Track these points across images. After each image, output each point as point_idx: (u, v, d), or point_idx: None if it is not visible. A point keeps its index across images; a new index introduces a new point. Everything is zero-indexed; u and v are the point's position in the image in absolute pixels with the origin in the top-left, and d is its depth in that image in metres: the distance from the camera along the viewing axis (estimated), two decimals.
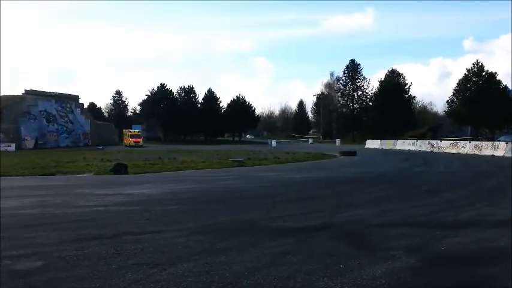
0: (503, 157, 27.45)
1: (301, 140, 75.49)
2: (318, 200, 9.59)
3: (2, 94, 51.51)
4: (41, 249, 5.19)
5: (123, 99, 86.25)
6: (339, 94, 79.85)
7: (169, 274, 4.34)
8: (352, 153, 31.55)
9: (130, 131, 59.49)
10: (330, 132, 78.99)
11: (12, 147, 43.88)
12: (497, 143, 33.46)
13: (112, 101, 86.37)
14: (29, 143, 49.17)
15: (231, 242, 5.68)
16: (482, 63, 58.81)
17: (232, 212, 8.03)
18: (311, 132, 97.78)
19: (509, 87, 59.99)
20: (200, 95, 79.77)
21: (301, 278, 4.24)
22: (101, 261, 4.76)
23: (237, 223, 6.90)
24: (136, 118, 77.74)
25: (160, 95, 75.21)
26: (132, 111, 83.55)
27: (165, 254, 5.08)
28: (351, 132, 74.53)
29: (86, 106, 66.70)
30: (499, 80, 57.84)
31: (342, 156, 30.02)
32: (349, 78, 77.45)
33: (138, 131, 61.08)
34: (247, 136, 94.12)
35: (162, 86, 76.58)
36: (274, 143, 59.62)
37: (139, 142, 54.94)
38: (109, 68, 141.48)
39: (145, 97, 76.72)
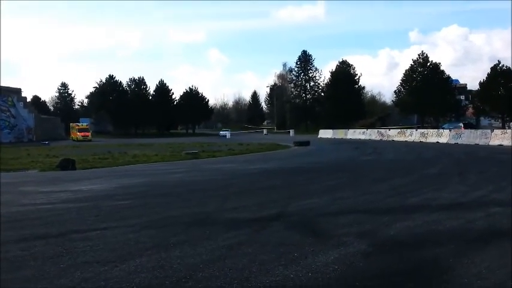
0: (446, 144, 29.01)
1: (256, 131, 75.84)
2: (272, 190, 9.66)
3: None
4: None
5: (69, 92, 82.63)
6: (292, 85, 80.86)
7: (120, 271, 4.21)
8: (306, 144, 32.15)
9: (78, 125, 57.25)
10: (283, 123, 79.89)
11: None
12: (441, 130, 35.32)
13: (57, 94, 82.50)
14: None
15: (184, 235, 5.60)
16: (427, 54, 61.73)
17: (185, 205, 7.91)
18: (265, 123, 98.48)
19: (452, 77, 63.48)
20: (151, 87, 77.96)
21: (256, 268, 4.25)
22: (47, 261, 4.54)
23: (190, 216, 6.80)
24: (84, 111, 74.80)
25: (109, 87, 72.69)
26: (79, 104, 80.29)
27: (115, 250, 4.93)
28: (304, 122, 75.79)
29: (29, 100, 63.21)
30: (442, 70, 60.89)
31: (296, 147, 30.50)
32: (301, 69, 78.56)
33: (87, 125, 58.91)
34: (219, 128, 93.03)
35: (111, 77, 74.05)
36: (228, 134, 59.49)
37: (87, 136, 53.06)
38: (54, 61, 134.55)
39: (93, 89, 73.92)
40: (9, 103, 54.12)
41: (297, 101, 79.50)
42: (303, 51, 78.64)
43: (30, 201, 8.48)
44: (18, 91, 56.74)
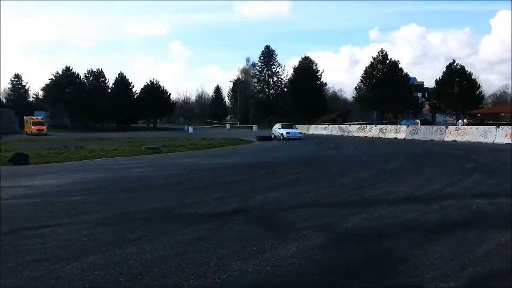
0: (404, 140, 29.99)
1: (218, 126, 75.46)
2: (233, 185, 9.63)
3: None
4: None
5: (23, 84, 78.91)
6: (255, 80, 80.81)
7: (73, 268, 4.06)
8: (268, 138, 32.38)
9: (32, 118, 54.72)
10: (247, 118, 79.86)
11: None
12: (399, 126, 36.49)
13: (10, 86, 78.57)
14: None
15: (141, 231, 5.45)
16: (386, 52, 63.33)
17: (143, 200, 7.71)
18: (228, 118, 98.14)
19: (410, 75, 65.57)
20: (111, 80, 75.63)
21: (215, 263, 4.21)
22: None
23: (148, 212, 6.64)
24: (39, 104, 71.61)
25: (66, 79, 69.92)
26: (34, 96, 76.73)
27: (68, 247, 4.74)
28: (267, 117, 76.04)
29: None
30: (401, 68, 62.76)
31: (259, 142, 30.59)
32: (264, 64, 78.59)
33: (42, 118, 56.43)
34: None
35: (68, 69, 71.15)
36: (191, 129, 58.86)
37: (42, 130, 50.84)
38: (7, 51, 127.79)
39: (48, 81, 70.88)
40: None
41: (260, 96, 79.59)
42: (266, 46, 78.76)
43: None
44: None
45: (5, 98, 78.56)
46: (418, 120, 50.20)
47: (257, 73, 79.91)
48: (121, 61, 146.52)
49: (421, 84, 72.00)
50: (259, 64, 79.11)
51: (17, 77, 78.43)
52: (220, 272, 3.97)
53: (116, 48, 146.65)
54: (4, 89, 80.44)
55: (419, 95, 67.97)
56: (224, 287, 3.69)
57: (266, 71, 78.60)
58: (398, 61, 62.88)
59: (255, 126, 63.91)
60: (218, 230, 5.54)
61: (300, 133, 33.33)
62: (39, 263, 4.20)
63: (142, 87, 77.30)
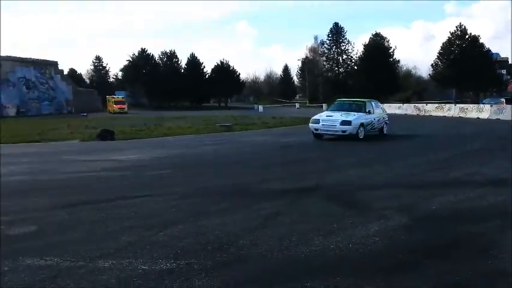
0: (488, 119, 27.90)
1: (288, 105, 75.28)
2: (309, 162, 9.66)
3: None
4: (33, 215, 5.12)
5: (104, 65, 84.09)
6: (324, 58, 78.94)
7: (164, 236, 4.34)
8: None
9: (114, 97, 58.22)
10: (316, 97, 78.73)
11: None
12: (482, 105, 33.95)
13: (92, 67, 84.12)
14: (11, 111, 47.95)
15: (223, 204, 5.70)
16: (465, 26, 58.73)
17: (223, 176, 8.03)
18: (297, 97, 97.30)
19: (492, 50, 60.41)
20: (183, 60, 78.22)
21: (296, 238, 4.29)
22: (94, 225, 4.73)
23: (228, 187, 6.91)
24: (119, 84, 76.05)
25: (142, 60, 73.42)
26: (114, 77, 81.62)
27: (159, 217, 5.08)
28: (337, 96, 74.35)
29: (65, 72, 64.82)
30: (482, 43, 57.99)
31: None
32: (333, 42, 76.33)
33: (122, 97, 59.78)
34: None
35: (143, 50, 74.62)
36: (261, 108, 59.33)
37: (123, 108, 53.95)
38: (86, 34, 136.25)
39: (126, 62, 74.88)
40: (47, 75, 55.68)
41: (329, 74, 77.78)
42: (335, 23, 76.21)
43: (74, 169, 8.82)
44: (54, 64, 58.15)
45: (88, 78, 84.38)
46: (503, 99, 46.21)
47: (326, 51, 77.99)
48: (191, 42, 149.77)
49: (505, 60, 65.93)
50: (328, 42, 76.89)
51: (98, 58, 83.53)
52: (302, 247, 4.04)
53: (186, 29, 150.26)
54: (87, 70, 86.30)
55: (504, 72, 62.48)
56: (308, 261, 3.76)
57: (335, 49, 76.32)
58: (478, 36, 58.08)
59: (324, 105, 62.84)
60: (297, 206, 5.63)
61: (383, 120, 16.36)
62: (135, 230, 4.53)
63: (212, 68, 79.10)
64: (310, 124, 14.79)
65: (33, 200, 5.90)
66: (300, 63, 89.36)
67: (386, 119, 16.66)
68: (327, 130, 14.02)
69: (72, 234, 4.41)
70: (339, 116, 13.88)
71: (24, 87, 51.55)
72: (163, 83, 68.56)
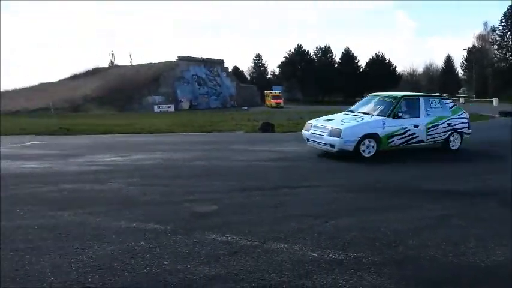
0: None
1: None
2: (475, 162, 8.82)
3: (157, 62, 57.70)
4: (213, 196, 5.81)
5: (263, 62, 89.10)
6: (495, 47, 69.34)
7: (331, 226, 4.49)
8: None
9: (271, 92, 61.31)
10: (484, 91, 69.93)
11: (172, 108, 50.21)
12: None
13: (253, 64, 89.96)
14: (185, 105, 54.75)
15: (386, 201, 5.63)
16: None
17: (381, 172, 7.91)
18: (461, 90, 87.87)
19: None
20: (337, 55, 77.98)
21: (473, 244, 3.99)
22: (265, 209, 5.14)
23: (390, 183, 6.80)
24: (276, 80, 79.78)
25: (298, 56, 75.53)
26: (272, 73, 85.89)
27: (323, 206, 5.27)
28: (510, 90, 64.76)
29: (230, 70, 70.76)
30: None
31: (502, 117, 26.53)
32: (507, 28, 66.41)
33: (279, 92, 62.49)
34: None
35: (299, 47, 76.74)
36: None
37: (280, 103, 56.41)
38: (247, 33, 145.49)
39: (283, 59, 77.95)
40: (215, 73, 61.76)
41: (502, 65, 67.97)
42: (510, 6, 66.17)
43: (243, 157, 9.68)
44: (221, 62, 64.09)
45: (249, 75, 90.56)
46: None
47: (498, 39, 68.26)
48: (345, 35, 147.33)
49: None
50: (501, 28, 67.24)
51: (258, 56, 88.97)
52: (480, 255, 3.75)
53: (340, 23, 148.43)
54: (248, 67, 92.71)
55: None
56: (489, 271, 3.48)
57: (510, 35, 66.31)
58: None
59: (495, 100, 55.44)
60: (468, 210, 5.24)
61: (451, 128, 10.34)
62: (302, 218, 4.78)
63: (367, 61, 76.95)
64: (302, 131, 10.55)
65: (213, 183, 6.70)
66: (465, 53, 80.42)
67: (460, 127, 10.45)
68: (316, 142, 9.62)
69: (247, 216, 4.87)
70: (336, 122, 9.51)
71: (196, 83, 58.19)
72: (317, 78, 69.52)
